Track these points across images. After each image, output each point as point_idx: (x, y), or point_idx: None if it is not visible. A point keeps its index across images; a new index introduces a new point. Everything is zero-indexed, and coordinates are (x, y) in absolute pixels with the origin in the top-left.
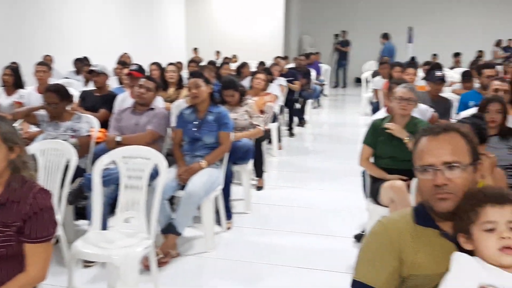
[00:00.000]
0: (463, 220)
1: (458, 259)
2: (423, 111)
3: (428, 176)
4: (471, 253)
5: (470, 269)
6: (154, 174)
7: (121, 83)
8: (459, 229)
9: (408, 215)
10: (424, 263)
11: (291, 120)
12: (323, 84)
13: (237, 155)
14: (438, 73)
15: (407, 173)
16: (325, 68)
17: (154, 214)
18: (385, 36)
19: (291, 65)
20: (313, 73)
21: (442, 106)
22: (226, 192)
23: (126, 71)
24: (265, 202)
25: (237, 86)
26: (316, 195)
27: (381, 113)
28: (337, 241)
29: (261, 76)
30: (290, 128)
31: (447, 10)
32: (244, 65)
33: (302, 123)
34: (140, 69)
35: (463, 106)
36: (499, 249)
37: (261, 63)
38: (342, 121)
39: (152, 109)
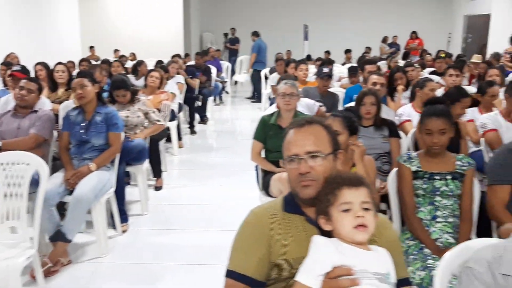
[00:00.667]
0: (323, 203)
1: (315, 241)
2: (310, 106)
3: (293, 166)
4: (331, 234)
5: (325, 251)
6: (38, 180)
7: (5, 84)
8: (319, 212)
9: (278, 204)
10: (290, 248)
11: (192, 118)
12: (225, 81)
13: (131, 156)
14: (325, 70)
15: None
16: (227, 65)
17: (36, 222)
18: (255, 34)
19: (192, 62)
20: (213, 70)
21: (330, 100)
22: (119, 194)
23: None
24: (164, 202)
25: (128, 85)
26: (216, 192)
27: (272, 109)
28: (232, 236)
29: (155, 74)
30: (191, 126)
31: (340, 8)
32: (140, 63)
33: (204, 120)
34: (24, 70)
35: (348, 99)
36: (354, 227)
37: (159, 62)
38: (243, 117)
39: (35, 111)
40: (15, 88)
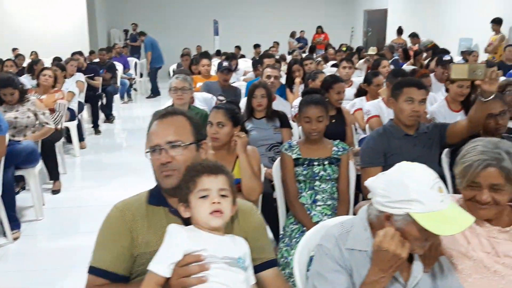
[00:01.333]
0: (183, 190)
1: (169, 230)
2: (207, 100)
3: (155, 156)
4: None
5: (177, 239)
6: None
7: None
8: (180, 200)
9: (144, 197)
10: (153, 240)
11: (95, 117)
12: (132, 79)
13: (19, 159)
14: (224, 63)
15: None
16: (135, 61)
17: None
18: (142, 34)
19: (96, 59)
20: (119, 67)
21: (231, 94)
22: (8, 200)
23: None
24: (63, 206)
25: (15, 84)
26: (119, 192)
27: (168, 103)
28: None
29: (48, 72)
30: (95, 125)
31: (249, 4)
32: (37, 62)
33: (109, 119)
34: None
35: None
36: (210, 213)
37: (56, 59)
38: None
39: None
40: None
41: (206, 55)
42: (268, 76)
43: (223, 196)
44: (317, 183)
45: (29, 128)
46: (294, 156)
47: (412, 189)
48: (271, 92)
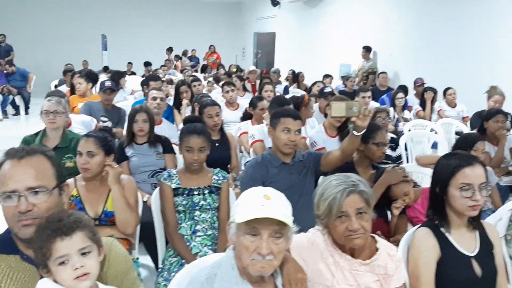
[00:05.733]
0: (39, 257)
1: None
2: (86, 123)
3: (11, 203)
4: None
5: None
6: None
7: None
8: (38, 263)
9: None
10: None
11: None
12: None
13: None
14: (107, 83)
15: None
16: None
17: None
18: None
19: None
20: None
21: (115, 115)
22: None
23: None
24: None
25: None
26: None
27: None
28: None
29: None
30: None
31: (139, 20)
32: None
33: None
34: None
35: None
36: (75, 278)
37: None
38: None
39: None
40: None
41: (79, 72)
42: (154, 98)
43: (84, 254)
44: (197, 213)
45: None
46: (173, 185)
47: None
48: (153, 117)
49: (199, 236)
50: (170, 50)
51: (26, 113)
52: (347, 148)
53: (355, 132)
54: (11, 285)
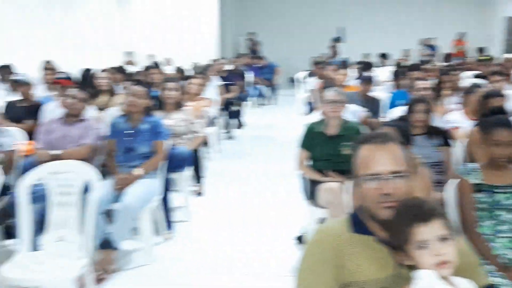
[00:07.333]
0: (398, 240)
1: (421, 276)
2: (354, 112)
3: (373, 185)
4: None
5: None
6: (87, 189)
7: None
8: (395, 247)
9: (344, 224)
10: (363, 269)
11: (228, 123)
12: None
13: (174, 164)
14: (367, 73)
15: (342, 174)
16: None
17: (88, 231)
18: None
19: (230, 66)
20: (250, 74)
21: (371, 106)
22: (164, 202)
23: (52, 78)
24: (205, 209)
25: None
26: (255, 199)
27: (316, 115)
28: (278, 245)
29: (197, 81)
30: (228, 131)
31: (377, 10)
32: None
33: (240, 125)
34: (68, 77)
35: (392, 105)
36: (435, 265)
37: (178, 69)
38: (278, 122)
39: (82, 120)
40: (62, 96)
41: (343, 64)
42: (420, 89)
43: (443, 239)
44: (501, 212)
45: (181, 137)
46: (475, 181)
47: None
48: (431, 107)
49: (503, 237)
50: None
51: (274, 103)
52: None
53: None
54: (371, 264)
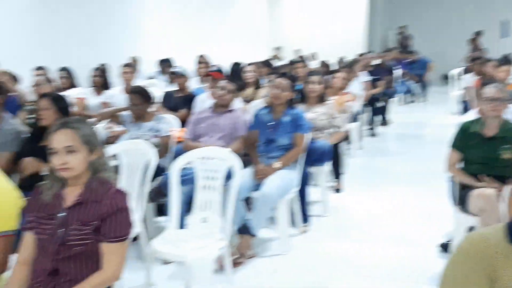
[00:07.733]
0: None
1: None
2: None
3: None
4: None
5: None
6: (230, 175)
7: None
8: None
9: (500, 232)
10: None
11: (372, 120)
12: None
13: (313, 157)
14: None
15: (499, 180)
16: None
17: (229, 215)
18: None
19: (377, 61)
20: (398, 71)
21: None
22: (302, 194)
23: (205, 71)
24: (343, 206)
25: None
26: (397, 200)
27: (471, 114)
28: (419, 251)
29: (341, 75)
30: (371, 128)
31: None
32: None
33: (385, 122)
34: (220, 70)
35: None
36: None
37: (323, 63)
38: (427, 121)
39: (230, 110)
40: (213, 87)
41: (506, 61)
42: None
43: None
44: None
45: (321, 131)
46: None
47: None
48: None
49: None
50: None
51: (423, 100)
52: None
53: None
54: None
